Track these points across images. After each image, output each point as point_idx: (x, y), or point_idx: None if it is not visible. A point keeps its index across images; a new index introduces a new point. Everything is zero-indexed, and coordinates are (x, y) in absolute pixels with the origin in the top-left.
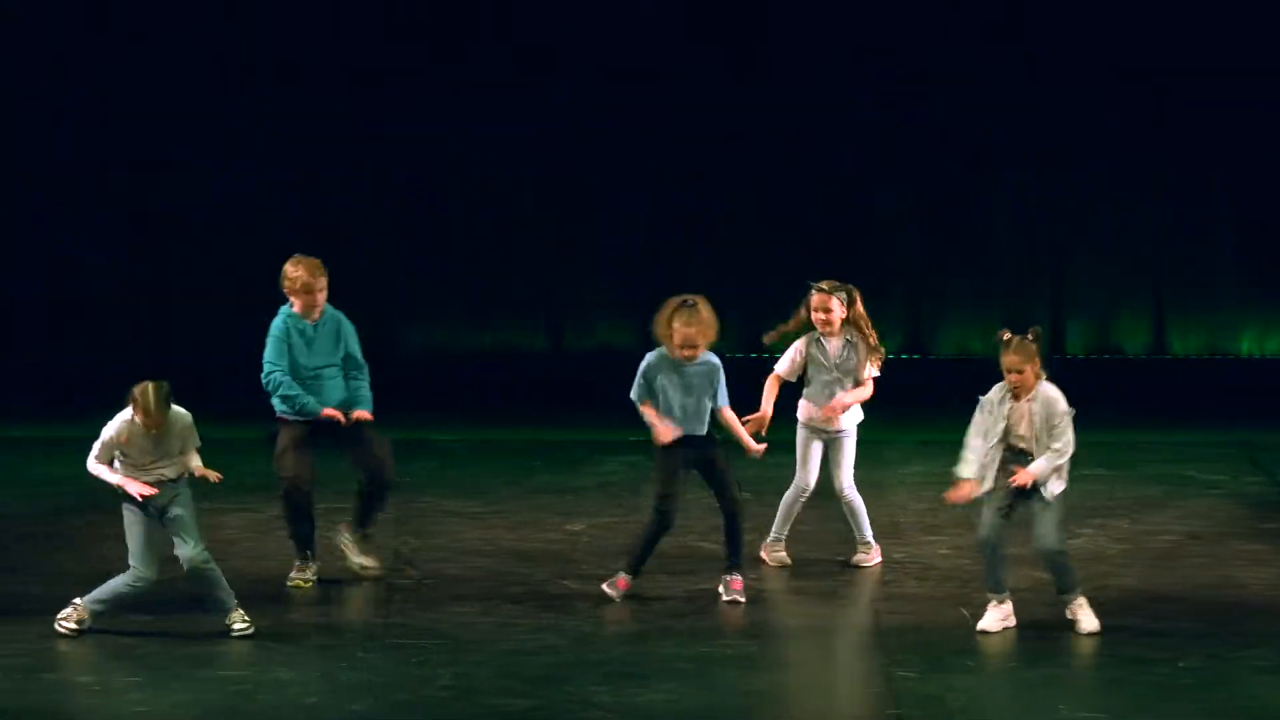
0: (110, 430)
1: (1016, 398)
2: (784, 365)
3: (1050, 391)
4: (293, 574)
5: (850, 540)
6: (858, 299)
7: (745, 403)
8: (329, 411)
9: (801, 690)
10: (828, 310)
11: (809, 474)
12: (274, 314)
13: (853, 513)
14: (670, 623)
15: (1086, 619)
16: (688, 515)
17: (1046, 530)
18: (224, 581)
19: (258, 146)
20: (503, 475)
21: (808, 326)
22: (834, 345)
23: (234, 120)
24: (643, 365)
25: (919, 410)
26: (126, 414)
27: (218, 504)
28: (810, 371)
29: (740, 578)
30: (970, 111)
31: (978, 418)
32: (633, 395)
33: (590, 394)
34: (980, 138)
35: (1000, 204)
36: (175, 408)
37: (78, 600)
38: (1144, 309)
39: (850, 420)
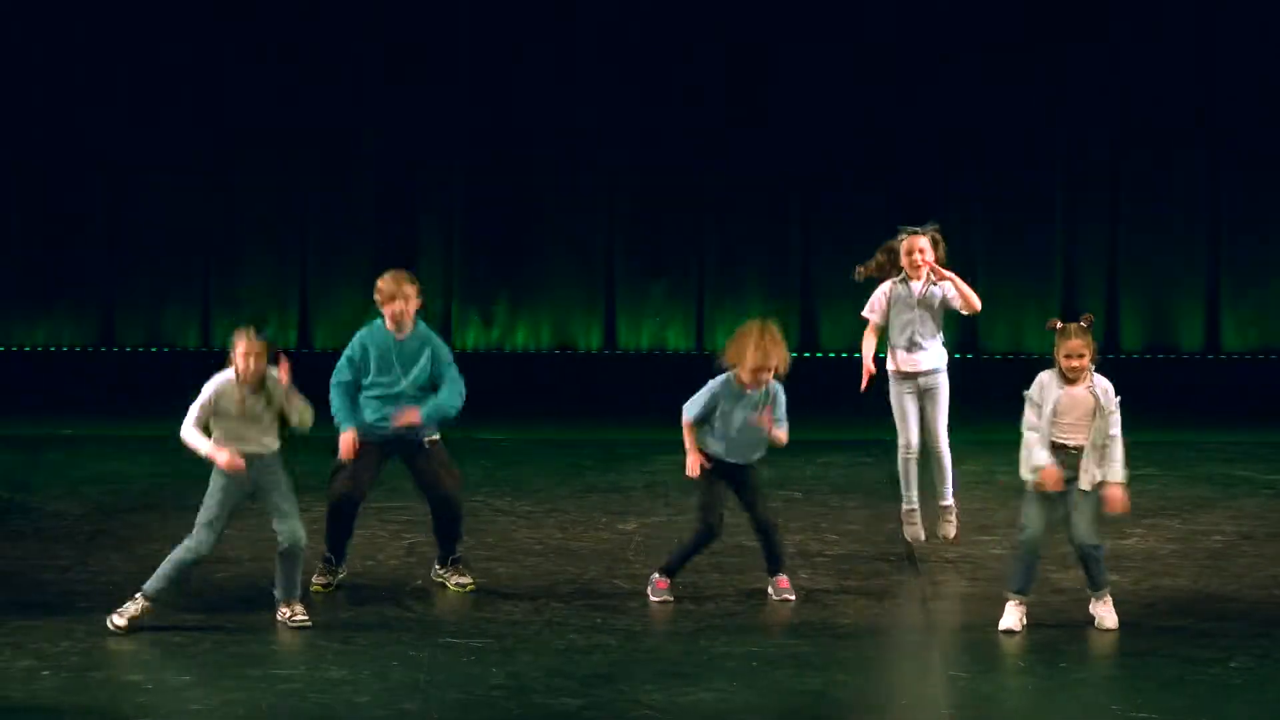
0: (208, 391)
1: (1072, 384)
2: (873, 313)
3: (1103, 379)
4: (315, 577)
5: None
6: (941, 241)
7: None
8: (346, 440)
9: (853, 690)
10: (920, 250)
11: (910, 429)
12: None
13: (941, 468)
14: (721, 622)
15: (1109, 616)
16: (738, 514)
17: (1088, 525)
18: (301, 569)
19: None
20: (553, 474)
21: (886, 273)
22: (918, 285)
23: None
24: (713, 389)
25: (971, 408)
26: (225, 375)
27: None
28: (892, 315)
29: (786, 576)
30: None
31: (1030, 412)
32: (691, 414)
33: (642, 393)
34: (1034, 135)
35: (1055, 203)
36: (270, 370)
37: (138, 595)
38: (1197, 307)
39: (940, 359)
